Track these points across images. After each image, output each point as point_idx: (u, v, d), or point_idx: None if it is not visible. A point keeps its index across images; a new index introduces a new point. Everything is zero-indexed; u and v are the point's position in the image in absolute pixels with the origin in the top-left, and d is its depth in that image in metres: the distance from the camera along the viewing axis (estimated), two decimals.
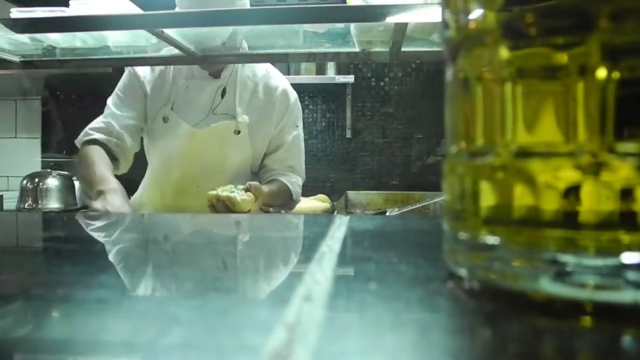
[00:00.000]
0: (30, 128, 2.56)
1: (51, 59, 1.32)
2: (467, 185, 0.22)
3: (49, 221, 0.57)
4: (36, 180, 1.97)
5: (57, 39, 1.24)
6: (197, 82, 1.36)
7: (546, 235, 0.19)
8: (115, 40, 1.24)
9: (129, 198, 1.44)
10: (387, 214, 1.65)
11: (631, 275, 0.18)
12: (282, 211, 1.36)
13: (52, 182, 1.98)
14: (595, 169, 0.18)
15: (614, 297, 0.18)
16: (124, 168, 1.39)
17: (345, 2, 1.02)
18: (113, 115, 1.35)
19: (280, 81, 1.44)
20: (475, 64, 0.22)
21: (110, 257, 0.34)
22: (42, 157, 2.51)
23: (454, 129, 0.24)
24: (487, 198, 0.21)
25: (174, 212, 1.37)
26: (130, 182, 1.44)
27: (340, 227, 0.41)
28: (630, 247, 0.18)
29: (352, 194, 2.28)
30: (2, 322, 0.19)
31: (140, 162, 1.49)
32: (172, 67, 1.37)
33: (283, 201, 1.40)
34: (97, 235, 0.46)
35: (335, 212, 2.01)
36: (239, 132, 1.35)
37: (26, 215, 0.96)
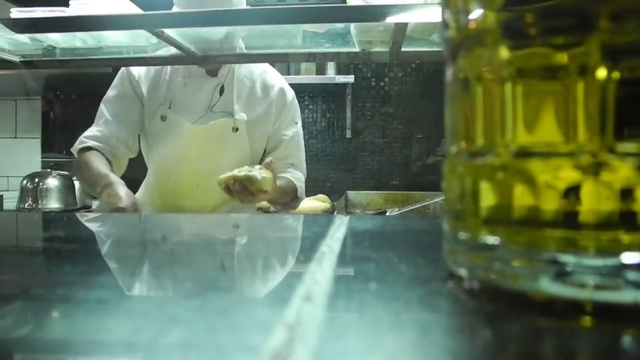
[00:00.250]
0: (30, 128, 2.56)
1: (51, 59, 1.32)
2: (467, 185, 0.22)
3: (49, 221, 0.57)
4: (36, 180, 1.97)
5: (57, 39, 1.24)
6: (194, 80, 1.36)
7: (546, 235, 0.19)
8: (115, 40, 1.24)
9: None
10: (387, 214, 1.65)
11: (631, 275, 0.18)
12: (287, 212, 1.36)
13: (52, 182, 1.98)
14: (595, 169, 0.18)
15: (614, 297, 0.18)
16: (117, 173, 1.38)
17: (345, 2, 1.02)
18: (106, 123, 1.35)
19: (278, 79, 1.44)
20: (475, 64, 0.22)
21: (111, 257, 0.34)
22: (42, 157, 2.51)
23: (454, 129, 0.24)
24: (487, 198, 0.21)
25: (174, 212, 1.37)
26: (130, 183, 1.44)
27: (340, 227, 0.41)
28: (630, 247, 0.18)
29: (352, 194, 2.28)
30: (2, 322, 0.19)
31: (141, 163, 1.49)
32: (168, 66, 1.37)
33: (289, 198, 1.39)
34: (97, 235, 0.46)
35: (335, 212, 2.01)
36: (237, 130, 1.35)
37: (26, 215, 0.96)
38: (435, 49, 1.18)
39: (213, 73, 1.36)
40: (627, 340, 0.17)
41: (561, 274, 0.19)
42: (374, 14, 0.98)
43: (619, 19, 0.18)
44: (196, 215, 0.96)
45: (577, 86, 0.19)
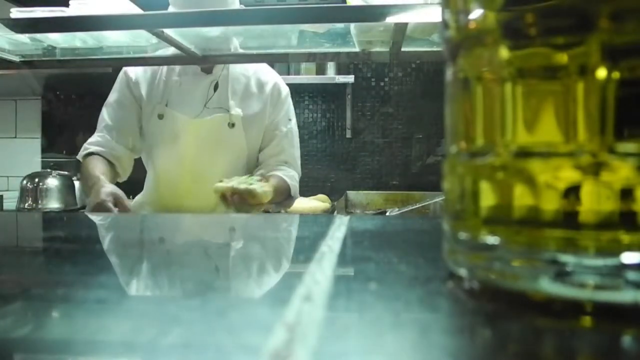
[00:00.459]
0: (30, 128, 2.56)
1: (51, 59, 1.32)
2: (467, 185, 0.22)
3: (49, 221, 0.57)
4: (36, 180, 1.97)
5: (57, 39, 1.24)
6: (189, 78, 1.37)
7: (546, 235, 0.19)
8: (115, 40, 1.25)
9: (131, 199, 1.46)
10: (387, 214, 1.65)
11: (631, 275, 0.18)
12: (282, 210, 1.36)
13: (52, 182, 1.98)
14: (595, 169, 0.18)
15: (614, 297, 0.18)
16: (124, 175, 1.42)
17: (345, 2, 1.02)
18: (107, 127, 1.38)
19: (272, 75, 1.45)
20: (475, 64, 0.22)
21: (110, 257, 0.34)
22: (42, 157, 2.51)
23: (454, 129, 0.24)
24: (487, 198, 0.21)
25: (173, 212, 1.37)
26: (131, 184, 1.45)
27: (340, 227, 0.41)
28: (630, 247, 0.18)
29: (352, 194, 2.28)
30: (2, 322, 0.19)
31: (141, 164, 1.49)
32: (164, 66, 1.38)
33: (283, 197, 1.39)
34: (97, 235, 0.46)
35: (335, 212, 2.01)
36: (233, 125, 1.35)
37: (26, 215, 0.96)
38: (435, 49, 1.18)
39: (208, 70, 1.38)
40: (627, 340, 0.17)
41: (561, 274, 0.19)
42: (374, 14, 0.98)
43: (619, 19, 0.18)
44: (196, 216, 0.96)
45: (577, 86, 0.19)
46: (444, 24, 0.24)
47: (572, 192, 0.19)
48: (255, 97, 1.40)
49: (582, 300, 0.18)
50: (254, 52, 1.31)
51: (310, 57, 1.29)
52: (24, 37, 1.21)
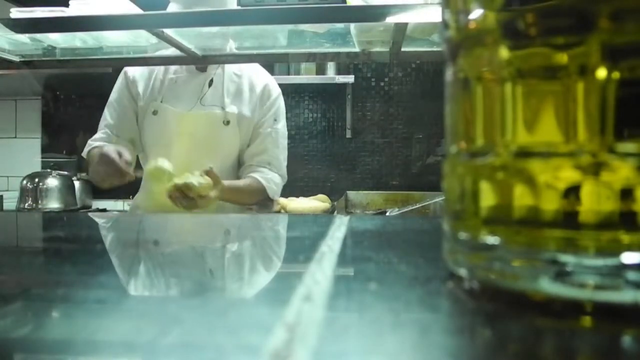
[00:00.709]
0: (30, 128, 2.56)
1: (51, 59, 1.32)
2: (467, 185, 0.22)
3: (49, 221, 0.57)
4: (36, 180, 1.97)
5: (57, 39, 1.25)
6: (184, 76, 1.39)
7: (546, 235, 0.19)
8: (115, 40, 1.25)
9: (130, 199, 1.46)
10: (387, 214, 1.66)
11: (631, 275, 0.18)
12: (281, 211, 1.35)
13: (52, 182, 1.98)
14: (595, 169, 0.18)
15: (614, 297, 0.18)
16: (131, 175, 1.42)
17: (345, 2, 1.02)
18: (109, 126, 1.41)
19: (265, 77, 1.45)
20: (475, 64, 0.22)
21: (110, 257, 0.34)
22: (42, 157, 2.51)
23: (454, 129, 0.24)
24: (487, 198, 0.21)
25: (162, 211, 1.38)
26: (130, 184, 1.45)
27: (340, 227, 0.41)
28: (630, 247, 0.18)
29: (352, 194, 2.28)
30: (2, 322, 0.19)
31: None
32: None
33: (254, 199, 1.38)
34: (96, 235, 0.46)
35: (335, 212, 2.01)
36: (228, 123, 1.36)
37: (26, 215, 0.96)
38: (435, 49, 1.18)
39: (203, 69, 1.39)
40: (627, 340, 0.17)
41: (561, 274, 0.19)
42: (374, 14, 0.98)
43: (619, 19, 0.18)
44: (195, 216, 0.96)
45: (577, 86, 0.19)
46: (444, 24, 0.24)
47: (572, 192, 0.19)
48: (247, 97, 1.40)
49: (582, 300, 0.18)
50: (254, 52, 1.32)
51: (310, 57, 1.29)
52: (24, 37, 1.21)
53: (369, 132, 2.46)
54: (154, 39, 1.16)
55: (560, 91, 0.19)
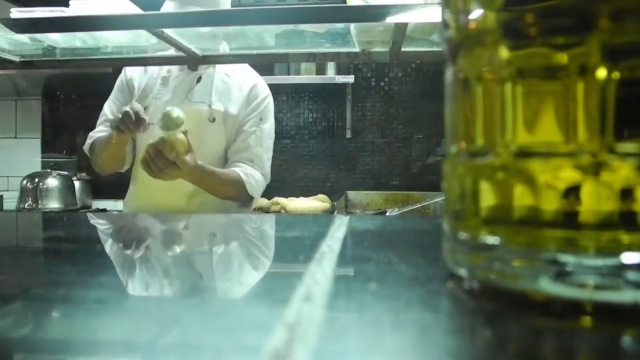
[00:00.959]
0: (30, 128, 2.56)
1: (51, 59, 1.32)
2: (467, 185, 0.22)
3: (49, 221, 0.57)
4: (36, 180, 1.97)
5: (57, 39, 1.25)
6: (175, 74, 1.41)
7: (546, 235, 0.19)
8: (115, 40, 1.25)
9: (125, 198, 1.47)
10: (387, 214, 1.66)
11: (631, 275, 0.18)
12: (281, 210, 1.34)
13: (52, 182, 1.98)
14: (595, 169, 0.18)
15: (614, 297, 0.18)
16: (128, 163, 1.44)
17: (345, 2, 1.02)
18: (107, 121, 1.42)
19: (253, 78, 1.46)
20: (475, 64, 0.22)
21: (110, 257, 0.34)
22: (42, 157, 2.51)
23: (454, 129, 0.24)
24: (487, 198, 0.21)
25: (146, 210, 1.38)
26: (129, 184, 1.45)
27: (340, 227, 0.41)
28: (630, 247, 0.18)
29: (352, 194, 2.28)
30: (2, 322, 0.19)
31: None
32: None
33: (231, 190, 1.36)
34: (96, 235, 0.46)
35: (335, 212, 2.01)
36: (214, 120, 1.36)
37: (26, 215, 0.96)
38: (435, 49, 1.18)
39: (194, 67, 1.40)
40: (627, 340, 0.17)
41: (561, 274, 0.19)
42: (374, 14, 0.98)
43: (619, 19, 0.18)
44: (195, 215, 0.96)
45: (577, 86, 0.19)
46: (444, 24, 0.24)
47: (572, 192, 0.19)
48: (234, 96, 1.41)
49: (582, 300, 0.18)
50: (254, 52, 1.32)
51: (310, 57, 1.29)
52: (24, 37, 1.21)
53: (369, 132, 2.46)
54: (154, 39, 1.16)
55: (560, 91, 0.19)
